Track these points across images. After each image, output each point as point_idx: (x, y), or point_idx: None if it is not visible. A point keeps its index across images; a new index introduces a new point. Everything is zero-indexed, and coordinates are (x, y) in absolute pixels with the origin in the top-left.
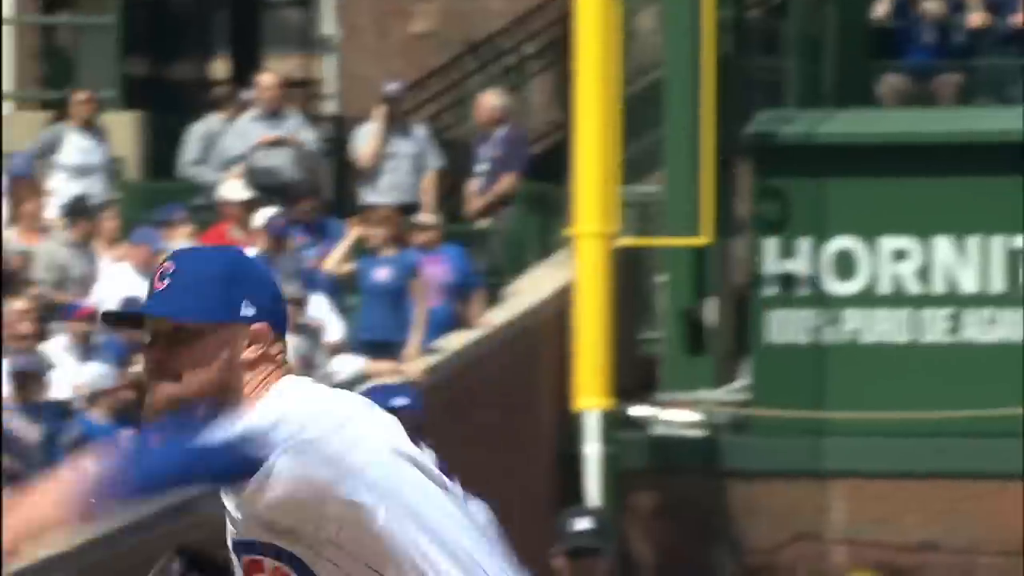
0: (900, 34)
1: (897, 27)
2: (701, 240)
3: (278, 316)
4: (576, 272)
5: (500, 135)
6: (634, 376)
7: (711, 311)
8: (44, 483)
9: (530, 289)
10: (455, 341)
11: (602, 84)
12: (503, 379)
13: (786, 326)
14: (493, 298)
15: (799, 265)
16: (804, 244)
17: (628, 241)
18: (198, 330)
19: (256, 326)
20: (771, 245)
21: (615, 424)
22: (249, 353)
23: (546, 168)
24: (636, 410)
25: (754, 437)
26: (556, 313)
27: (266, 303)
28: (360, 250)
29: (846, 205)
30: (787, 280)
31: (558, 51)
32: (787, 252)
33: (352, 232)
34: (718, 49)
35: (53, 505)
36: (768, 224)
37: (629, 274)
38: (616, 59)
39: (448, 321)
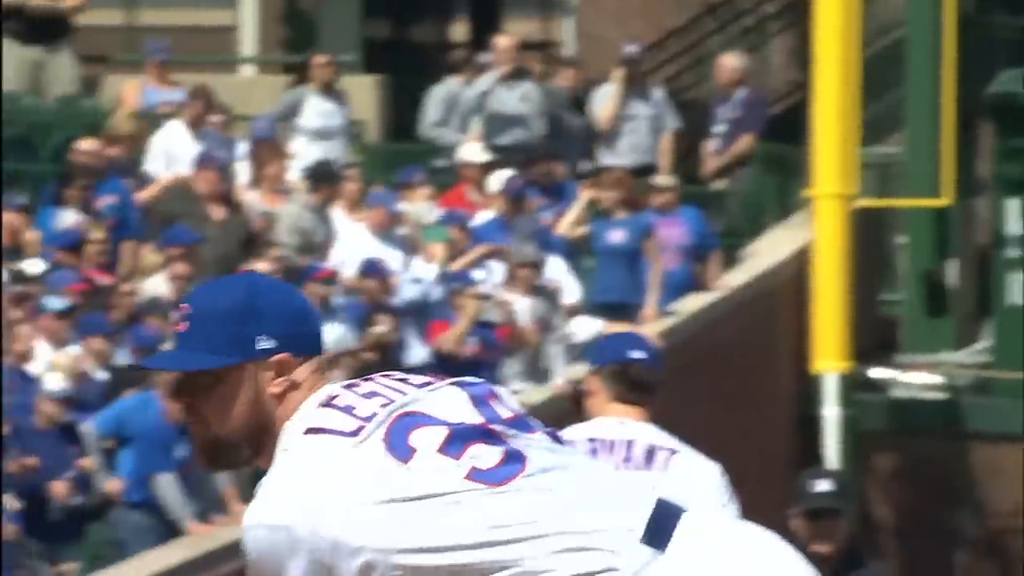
0: None
1: None
2: (942, 201)
3: (302, 339)
4: (815, 233)
5: (739, 96)
6: (873, 338)
7: (952, 273)
8: None
9: (768, 251)
10: (692, 303)
11: (842, 44)
12: (741, 341)
13: None
14: (731, 260)
15: None
16: None
17: (867, 202)
18: (216, 374)
19: (277, 357)
20: (1013, 206)
21: (854, 386)
22: (274, 387)
23: (785, 129)
24: (876, 372)
25: (996, 399)
26: (794, 275)
27: (286, 330)
28: (594, 213)
29: None
30: None
31: (798, 11)
32: None
33: (584, 195)
34: (960, 8)
35: None
36: (1010, 185)
37: (868, 235)
38: (856, 19)
39: (686, 283)
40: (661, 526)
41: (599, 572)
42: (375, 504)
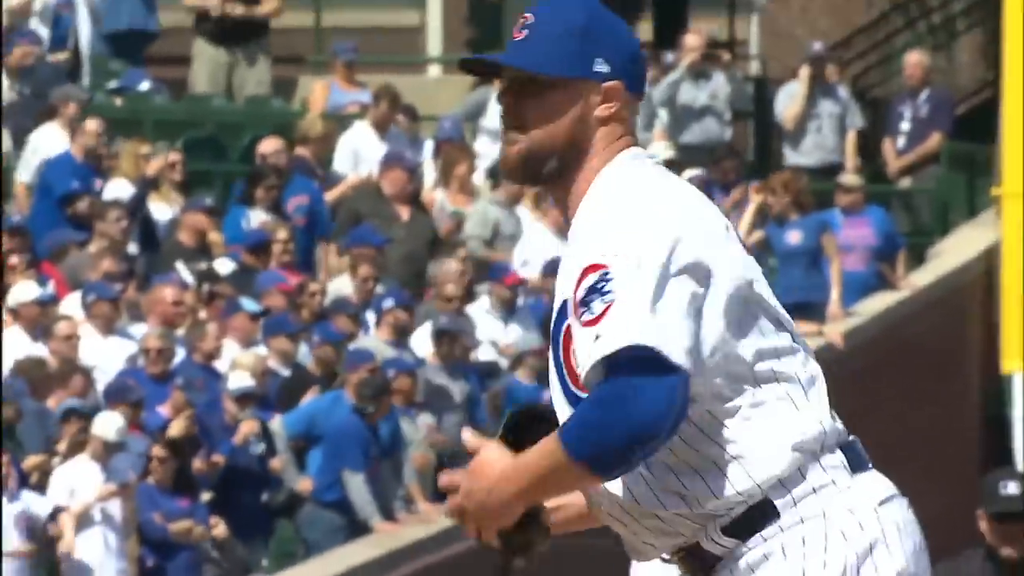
0: None
1: None
2: None
3: (634, 76)
4: (1003, 232)
5: (926, 94)
6: None
7: None
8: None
9: (956, 250)
10: (879, 303)
11: None
12: (929, 341)
13: None
14: (918, 259)
15: None
16: None
17: None
18: (550, 83)
19: (609, 83)
20: None
21: None
22: (601, 111)
23: (973, 127)
24: None
25: None
26: (983, 274)
27: (622, 60)
28: (766, 217)
29: None
30: None
31: (986, 8)
32: None
33: (754, 199)
34: None
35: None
36: None
37: None
38: None
39: (872, 283)
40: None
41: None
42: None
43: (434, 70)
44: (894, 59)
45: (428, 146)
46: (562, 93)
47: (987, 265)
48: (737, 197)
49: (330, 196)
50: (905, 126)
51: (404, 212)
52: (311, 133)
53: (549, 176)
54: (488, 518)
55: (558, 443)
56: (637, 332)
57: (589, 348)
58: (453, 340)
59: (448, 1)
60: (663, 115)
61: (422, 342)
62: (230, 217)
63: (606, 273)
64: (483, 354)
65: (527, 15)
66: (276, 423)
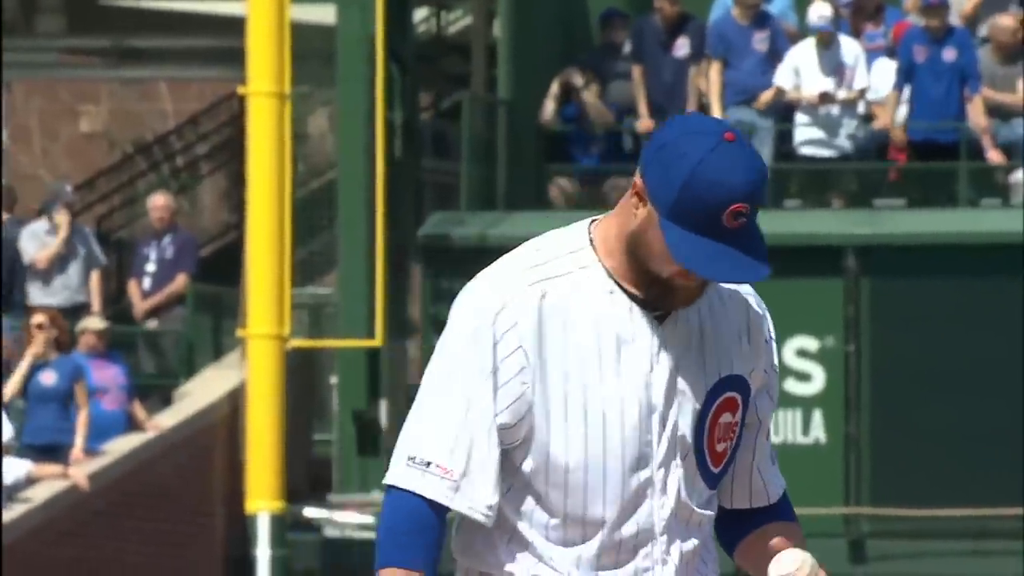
0: (571, 139)
1: (568, 132)
2: (374, 342)
3: None
4: (248, 374)
5: (171, 236)
6: (308, 478)
7: (383, 413)
8: None
9: (201, 391)
10: (125, 444)
11: (274, 185)
12: (175, 483)
13: None
14: (165, 400)
15: None
16: None
17: (300, 343)
18: None
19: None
20: None
21: (287, 526)
22: None
23: (218, 269)
24: (309, 512)
25: None
26: (228, 415)
27: None
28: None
29: None
30: None
31: (229, 152)
32: None
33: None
34: (390, 152)
35: None
36: (440, 325)
37: (303, 376)
38: (288, 161)
39: (119, 424)
40: None
41: None
42: None
43: None
44: (138, 201)
45: None
46: None
47: (232, 406)
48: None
49: None
50: (151, 267)
51: None
52: None
53: None
54: None
55: None
56: None
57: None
58: None
59: None
60: None
61: None
62: None
63: None
64: None
65: (744, 206)
66: None
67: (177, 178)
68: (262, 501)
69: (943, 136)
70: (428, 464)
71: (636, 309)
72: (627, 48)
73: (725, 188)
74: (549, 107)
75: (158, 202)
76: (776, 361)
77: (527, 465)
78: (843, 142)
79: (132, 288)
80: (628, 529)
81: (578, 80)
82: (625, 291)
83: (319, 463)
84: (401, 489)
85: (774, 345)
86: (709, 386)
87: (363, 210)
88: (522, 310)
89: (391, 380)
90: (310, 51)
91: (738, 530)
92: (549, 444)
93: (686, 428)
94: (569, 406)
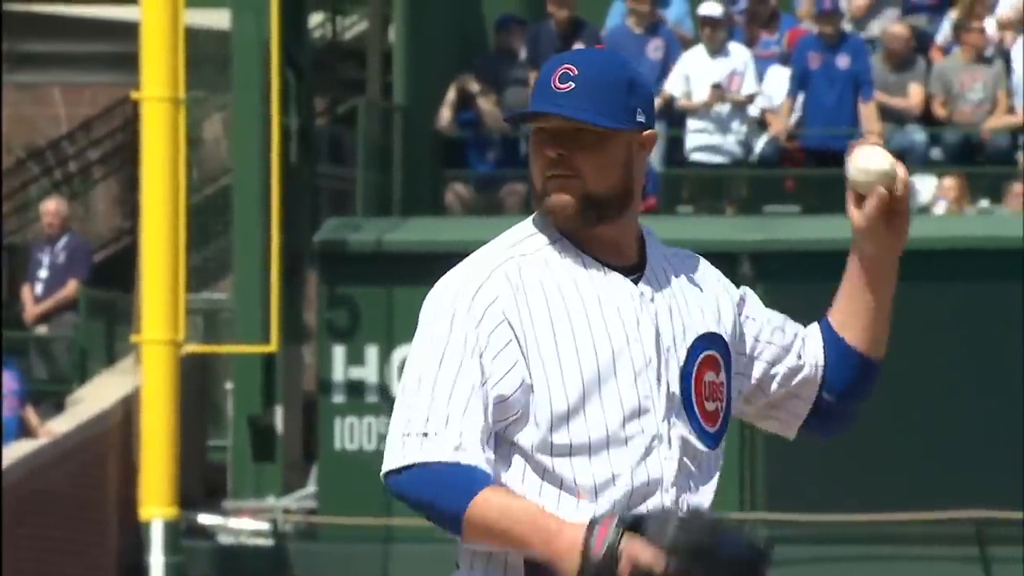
0: (467, 144)
1: (464, 138)
2: (269, 347)
3: (654, 123)
4: (142, 379)
5: (63, 241)
6: (203, 484)
7: (279, 418)
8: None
9: (94, 397)
10: (18, 450)
11: (168, 191)
12: (68, 489)
13: (354, 433)
14: (57, 407)
15: (367, 372)
16: (372, 352)
17: (196, 348)
18: (602, 134)
19: (647, 133)
20: (339, 352)
21: (181, 533)
22: (639, 159)
23: (112, 274)
24: (203, 518)
25: (321, 544)
26: (121, 421)
27: (651, 111)
28: None
29: (414, 313)
30: (355, 387)
31: (123, 157)
32: (355, 359)
33: None
34: (285, 157)
35: None
36: (336, 331)
37: (198, 381)
38: (182, 166)
39: (12, 430)
40: None
41: None
42: None
43: None
44: (31, 206)
45: None
46: (615, 143)
47: (126, 412)
48: None
49: None
50: (43, 273)
51: None
52: None
53: (606, 220)
54: None
55: None
56: None
57: None
58: None
59: None
60: None
61: None
62: None
63: None
64: None
65: (568, 66)
66: None
67: (70, 183)
68: (156, 507)
69: (837, 143)
70: (425, 435)
71: (611, 271)
72: (523, 54)
73: (557, 59)
74: (445, 113)
75: (51, 207)
76: (739, 289)
77: (530, 437)
78: (734, 147)
79: (25, 293)
80: (639, 478)
81: (474, 86)
82: (595, 258)
83: (214, 469)
84: (408, 466)
85: (727, 281)
86: (689, 343)
87: (258, 216)
88: (500, 285)
89: (286, 386)
90: (205, 56)
91: (836, 359)
92: (551, 404)
93: (675, 385)
94: (564, 365)
